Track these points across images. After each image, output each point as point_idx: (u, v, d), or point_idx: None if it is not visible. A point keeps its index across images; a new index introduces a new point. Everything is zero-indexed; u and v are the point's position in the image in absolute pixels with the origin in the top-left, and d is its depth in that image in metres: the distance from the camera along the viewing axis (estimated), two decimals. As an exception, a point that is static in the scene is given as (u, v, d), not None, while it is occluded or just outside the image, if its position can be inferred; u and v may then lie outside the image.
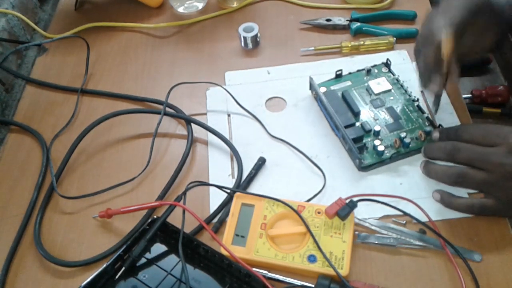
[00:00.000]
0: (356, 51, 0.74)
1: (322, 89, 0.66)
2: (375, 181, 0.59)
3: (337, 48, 0.74)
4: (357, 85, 0.67)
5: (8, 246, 0.57)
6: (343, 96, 0.65)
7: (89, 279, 0.50)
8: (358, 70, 0.68)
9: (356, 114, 0.63)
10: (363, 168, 0.59)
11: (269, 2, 0.85)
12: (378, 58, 0.71)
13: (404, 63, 0.70)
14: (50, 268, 0.56)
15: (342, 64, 0.70)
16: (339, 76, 0.67)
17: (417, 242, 0.52)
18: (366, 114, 0.63)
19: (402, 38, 0.74)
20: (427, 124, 0.61)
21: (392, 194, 0.55)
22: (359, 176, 0.59)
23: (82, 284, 0.50)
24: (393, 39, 0.73)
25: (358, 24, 0.75)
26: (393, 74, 0.67)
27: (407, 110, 0.63)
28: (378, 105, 0.64)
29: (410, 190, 0.57)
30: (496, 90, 1.10)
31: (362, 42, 0.73)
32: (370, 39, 0.73)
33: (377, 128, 0.61)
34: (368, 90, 0.66)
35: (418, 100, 0.63)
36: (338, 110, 0.62)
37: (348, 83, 0.67)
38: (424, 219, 0.54)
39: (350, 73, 0.68)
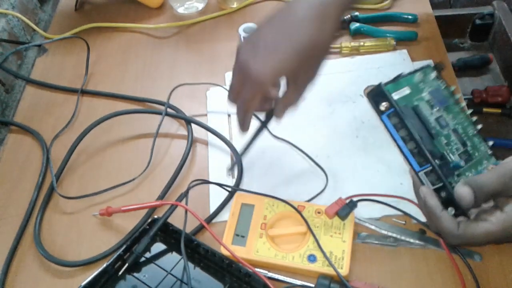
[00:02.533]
0: (356, 51, 0.73)
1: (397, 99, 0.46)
2: (375, 181, 0.59)
3: (336, 49, 0.74)
4: (416, 95, 0.47)
5: (8, 246, 0.57)
6: (415, 112, 0.47)
7: (89, 279, 0.50)
8: (410, 73, 0.48)
9: (434, 137, 0.47)
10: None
11: (269, 2, 0.85)
12: (379, 59, 0.71)
13: (404, 63, 0.70)
14: (50, 268, 0.56)
15: (342, 65, 0.70)
16: (395, 79, 0.47)
17: (417, 242, 0.52)
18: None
19: (401, 40, 0.74)
20: (490, 152, 0.48)
21: (392, 194, 0.55)
22: (359, 176, 0.59)
23: (82, 284, 0.50)
24: (393, 42, 0.72)
25: (357, 24, 0.75)
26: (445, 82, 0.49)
27: (466, 132, 0.48)
28: (444, 125, 0.47)
29: (410, 190, 0.56)
30: (497, 90, 1.10)
31: (362, 43, 0.73)
32: (370, 40, 0.73)
33: (462, 162, 0.47)
34: (430, 102, 0.47)
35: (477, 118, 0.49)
36: (419, 132, 0.46)
37: (407, 90, 0.47)
38: (424, 219, 0.53)
39: (400, 75, 0.47)
